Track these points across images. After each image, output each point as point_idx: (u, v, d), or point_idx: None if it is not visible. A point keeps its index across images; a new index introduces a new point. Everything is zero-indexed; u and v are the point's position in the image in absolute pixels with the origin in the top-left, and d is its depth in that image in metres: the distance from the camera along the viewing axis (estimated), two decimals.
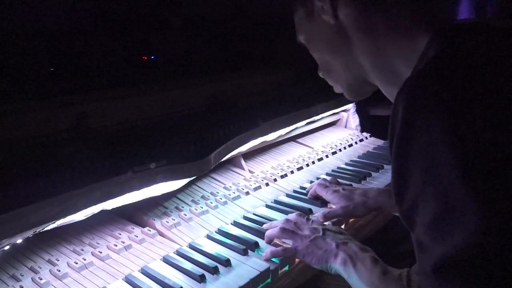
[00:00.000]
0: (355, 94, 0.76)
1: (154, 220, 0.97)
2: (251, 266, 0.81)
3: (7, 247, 0.75)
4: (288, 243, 0.85)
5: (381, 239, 1.23)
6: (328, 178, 1.14)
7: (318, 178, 1.26)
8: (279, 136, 1.41)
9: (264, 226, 0.93)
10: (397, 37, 0.62)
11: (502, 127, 0.45)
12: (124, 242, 0.88)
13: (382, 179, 1.25)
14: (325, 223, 0.95)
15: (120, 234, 0.92)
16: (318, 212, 1.00)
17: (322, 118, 1.61)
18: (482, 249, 0.44)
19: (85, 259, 0.82)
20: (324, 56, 0.74)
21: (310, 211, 1.03)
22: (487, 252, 0.44)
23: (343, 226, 1.02)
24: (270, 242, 0.88)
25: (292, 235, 0.83)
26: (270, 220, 0.97)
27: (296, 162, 1.36)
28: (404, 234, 0.60)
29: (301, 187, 1.20)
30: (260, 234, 0.91)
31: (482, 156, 0.45)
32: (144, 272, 0.80)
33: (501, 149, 0.45)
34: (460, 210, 0.45)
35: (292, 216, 0.90)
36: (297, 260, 0.87)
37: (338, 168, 1.35)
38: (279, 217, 1.00)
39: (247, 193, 1.14)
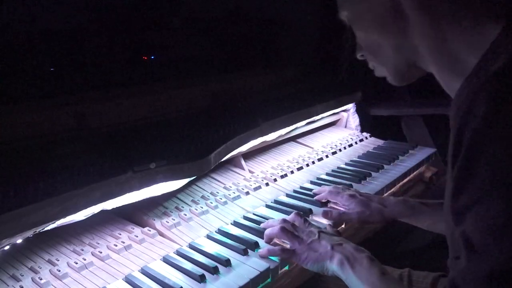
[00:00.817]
0: (401, 79, 0.70)
1: (154, 220, 0.97)
2: (251, 266, 0.81)
3: (7, 247, 0.75)
4: (287, 243, 0.85)
5: (381, 239, 1.23)
6: (340, 186, 1.12)
7: (318, 178, 1.26)
8: (279, 136, 1.41)
9: (262, 225, 0.93)
10: (462, 21, 0.57)
11: None
12: (124, 242, 0.88)
13: (382, 179, 1.25)
14: (325, 222, 0.95)
15: (120, 234, 0.92)
16: (320, 211, 1.00)
17: (322, 118, 1.62)
18: None
19: (85, 259, 0.82)
20: (371, 36, 0.67)
21: (310, 211, 1.03)
22: None
23: (343, 226, 1.02)
24: (269, 241, 0.88)
25: (291, 237, 0.83)
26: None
27: (296, 162, 1.36)
28: (404, 234, 0.60)
29: (301, 187, 1.20)
30: (260, 234, 0.91)
31: None
32: (144, 272, 0.80)
33: None
34: None
35: (290, 216, 0.90)
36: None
37: (338, 168, 1.35)
38: (279, 217, 1.00)
39: (247, 193, 1.14)
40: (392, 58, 0.66)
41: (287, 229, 0.85)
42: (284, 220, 0.88)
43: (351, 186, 1.16)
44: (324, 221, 0.99)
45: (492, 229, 0.47)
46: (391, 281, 0.71)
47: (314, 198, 1.10)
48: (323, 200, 1.08)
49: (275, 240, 0.88)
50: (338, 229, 0.97)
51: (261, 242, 0.89)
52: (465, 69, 0.54)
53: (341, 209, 1.02)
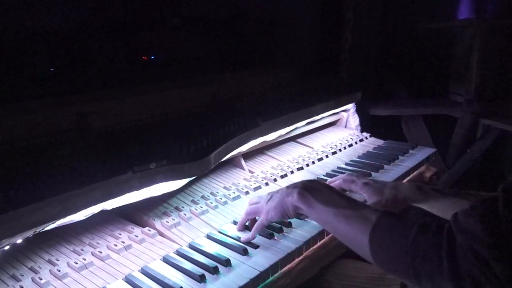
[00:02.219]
0: None
1: (154, 220, 0.97)
2: (251, 266, 0.81)
3: (7, 247, 0.75)
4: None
5: None
6: (354, 174, 1.12)
7: (318, 178, 1.26)
8: (279, 136, 1.41)
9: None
10: None
11: None
12: (124, 242, 0.88)
13: (382, 179, 1.25)
14: None
15: (120, 234, 0.92)
16: None
17: (322, 118, 1.62)
18: None
19: (85, 259, 0.82)
20: None
21: None
22: None
23: None
24: (241, 229, 0.93)
25: (256, 210, 0.89)
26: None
27: (296, 162, 1.36)
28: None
29: None
30: (261, 233, 0.91)
31: None
32: (144, 272, 0.80)
33: None
34: None
35: (253, 198, 0.96)
36: (295, 261, 0.87)
37: (338, 168, 1.35)
38: None
39: (247, 193, 1.14)
40: None
41: (251, 208, 0.90)
42: (249, 203, 0.94)
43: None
44: None
45: None
46: (360, 202, 0.70)
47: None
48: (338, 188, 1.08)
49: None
50: None
51: (261, 242, 0.89)
52: None
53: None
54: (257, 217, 0.92)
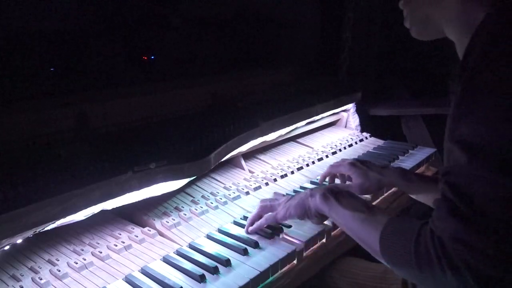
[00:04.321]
0: (420, 32, 0.77)
1: (154, 220, 0.97)
2: (251, 266, 0.81)
3: (7, 247, 0.75)
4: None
5: None
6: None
7: (318, 178, 1.26)
8: (279, 136, 1.40)
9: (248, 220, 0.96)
10: None
11: None
12: (124, 242, 0.88)
13: None
14: None
15: (120, 234, 0.92)
16: None
17: (322, 118, 1.61)
18: None
19: (85, 259, 0.82)
20: None
21: None
22: None
23: None
24: (252, 224, 0.93)
25: (270, 207, 0.91)
26: None
27: (296, 162, 1.36)
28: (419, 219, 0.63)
29: (301, 187, 1.20)
30: (261, 233, 0.91)
31: None
32: (144, 272, 0.80)
33: None
34: None
35: (266, 198, 0.97)
36: (295, 261, 0.87)
37: None
38: None
39: (247, 193, 1.14)
40: (421, 11, 0.75)
41: (266, 204, 0.92)
42: (262, 201, 0.95)
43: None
44: None
45: (491, 126, 0.54)
46: (376, 207, 0.75)
47: (319, 181, 1.17)
48: (326, 175, 1.15)
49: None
50: None
51: (261, 242, 0.89)
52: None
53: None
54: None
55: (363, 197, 1.09)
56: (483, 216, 0.52)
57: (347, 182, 1.09)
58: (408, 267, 0.59)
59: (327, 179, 1.16)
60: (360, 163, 1.07)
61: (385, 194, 1.19)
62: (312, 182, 1.23)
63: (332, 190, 0.82)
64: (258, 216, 0.93)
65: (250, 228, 0.92)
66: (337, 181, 1.15)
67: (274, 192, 0.99)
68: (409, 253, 0.59)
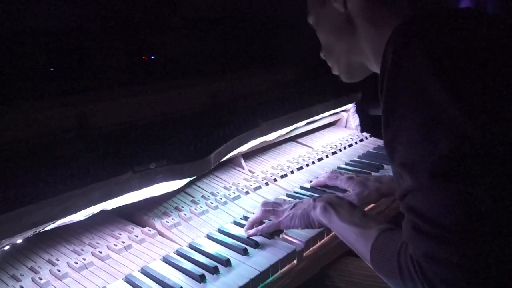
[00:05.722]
0: (349, 77, 0.83)
1: (154, 220, 0.97)
2: (251, 266, 0.81)
3: (7, 247, 0.75)
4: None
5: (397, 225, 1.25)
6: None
7: (318, 178, 1.26)
8: (279, 136, 1.40)
9: (248, 221, 0.95)
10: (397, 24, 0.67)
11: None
12: (124, 242, 0.88)
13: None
14: None
15: (120, 234, 0.92)
16: None
17: (322, 118, 1.61)
18: (470, 150, 0.52)
19: (85, 259, 0.82)
20: (329, 39, 0.79)
21: None
22: (475, 152, 0.52)
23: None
24: (252, 227, 0.92)
25: (273, 212, 0.91)
26: (270, 220, 0.97)
27: (296, 162, 1.36)
28: None
29: (301, 187, 1.20)
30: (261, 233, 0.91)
31: (462, 76, 0.54)
32: (144, 272, 0.80)
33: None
34: (445, 117, 0.53)
35: (268, 201, 0.97)
36: (295, 261, 0.87)
37: (338, 168, 1.34)
38: None
39: (247, 193, 1.14)
40: (344, 58, 0.79)
41: (267, 209, 0.91)
42: (264, 204, 0.94)
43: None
44: None
45: (416, 142, 0.55)
46: (372, 220, 0.75)
47: (312, 183, 1.18)
48: (321, 184, 1.16)
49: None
50: None
51: (261, 241, 0.89)
52: None
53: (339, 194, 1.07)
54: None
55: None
56: (445, 229, 0.53)
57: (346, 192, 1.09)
58: (395, 281, 0.62)
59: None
60: (356, 175, 1.09)
61: None
62: (312, 182, 1.22)
63: (332, 201, 0.83)
64: (259, 220, 0.92)
65: (250, 232, 0.91)
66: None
67: (275, 198, 0.97)
68: (394, 270, 0.61)
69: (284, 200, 0.95)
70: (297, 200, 0.92)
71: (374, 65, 0.74)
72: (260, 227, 0.90)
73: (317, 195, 1.09)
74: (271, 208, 0.92)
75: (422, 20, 0.61)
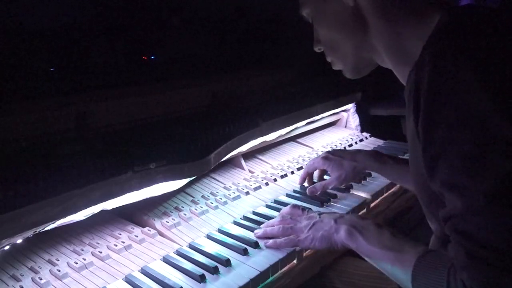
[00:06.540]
0: (356, 73, 0.79)
1: (154, 220, 0.97)
2: (251, 266, 0.81)
3: (7, 247, 0.75)
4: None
5: (397, 225, 1.26)
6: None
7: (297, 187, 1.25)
8: (279, 136, 1.40)
9: (262, 225, 0.93)
10: (412, 18, 0.65)
11: None
12: (124, 242, 0.88)
13: (382, 179, 1.24)
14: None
15: (120, 234, 0.92)
16: (321, 210, 1.00)
17: (322, 118, 1.61)
18: None
19: (85, 259, 0.82)
20: (333, 35, 0.74)
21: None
22: None
23: (364, 211, 1.09)
24: (266, 236, 0.89)
25: (292, 231, 0.85)
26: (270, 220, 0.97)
27: (296, 162, 1.36)
28: (419, 220, 0.63)
29: (301, 187, 1.20)
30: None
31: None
32: (144, 272, 0.80)
33: None
34: (501, 137, 0.50)
35: (286, 210, 0.93)
36: (295, 261, 0.87)
37: None
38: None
39: (247, 193, 1.14)
40: (351, 55, 0.74)
41: (286, 227, 0.86)
42: (282, 216, 0.91)
43: (351, 186, 1.16)
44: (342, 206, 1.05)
45: (467, 163, 0.52)
46: (403, 241, 0.70)
47: (299, 180, 1.19)
48: (304, 177, 1.17)
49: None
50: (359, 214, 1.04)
51: (261, 242, 0.89)
52: (416, 58, 0.60)
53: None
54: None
55: (366, 195, 1.12)
56: (507, 256, 0.50)
57: (325, 177, 1.12)
58: None
59: (306, 183, 1.17)
60: (332, 155, 1.09)
61: (385, 194, 1.19)
62: (287, 195, 1.21)
63: (357, 224, 0.77)
64: (277, 235, 0.87)
65: (268, 244, 0.86)
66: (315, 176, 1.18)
67: (293, 204, 0.94)
68: None
69: (303, 210, 0.90)
70: (315, 212, 0.88)
71: (385, 60, 0.71)
72: (279, 241, 0.86)
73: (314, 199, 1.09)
74: (289, 226, 0.86)
75: (461, 28, 0.57)
